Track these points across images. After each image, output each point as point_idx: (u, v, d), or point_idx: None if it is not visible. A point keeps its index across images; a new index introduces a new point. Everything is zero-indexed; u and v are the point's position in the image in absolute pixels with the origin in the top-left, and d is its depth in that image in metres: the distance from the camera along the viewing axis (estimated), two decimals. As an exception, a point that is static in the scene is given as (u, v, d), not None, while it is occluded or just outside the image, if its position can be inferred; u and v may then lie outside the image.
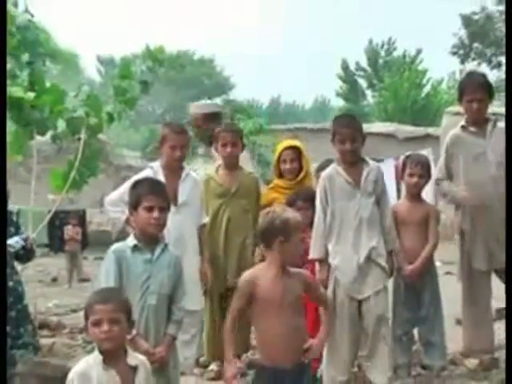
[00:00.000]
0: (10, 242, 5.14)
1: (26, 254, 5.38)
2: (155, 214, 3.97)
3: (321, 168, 5.91)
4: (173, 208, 5.24)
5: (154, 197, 4.02)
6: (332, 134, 5.22)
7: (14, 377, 5.24)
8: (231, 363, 3.81)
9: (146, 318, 3.92)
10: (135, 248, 3.97)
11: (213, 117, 6.43)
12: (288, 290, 3.79)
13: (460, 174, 5.75)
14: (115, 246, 4.03)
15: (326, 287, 5.01)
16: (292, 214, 3.92)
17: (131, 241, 4.00)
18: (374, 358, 5.06)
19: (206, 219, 5.79)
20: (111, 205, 5.54)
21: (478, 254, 5.71)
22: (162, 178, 5.41)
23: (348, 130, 5.11)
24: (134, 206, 4.05)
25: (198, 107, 6.57)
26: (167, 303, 4.02)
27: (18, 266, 7.36)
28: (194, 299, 5.37)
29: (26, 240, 5.30)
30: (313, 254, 5.12)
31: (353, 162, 5.12)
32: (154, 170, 5.59)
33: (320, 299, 4.09)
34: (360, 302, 5.04)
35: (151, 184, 4.24)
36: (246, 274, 3.95)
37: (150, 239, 4.03)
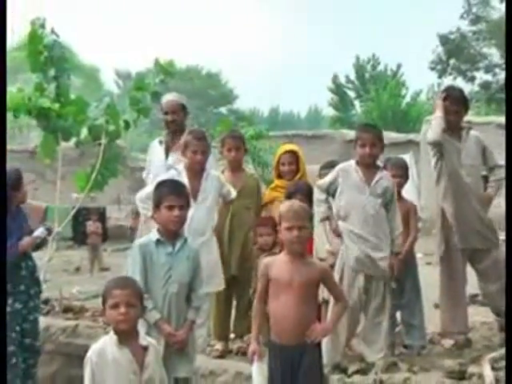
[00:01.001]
0: (36, 233, 5.15)
1: (43, 242, 5.38)
2: (176, 212, 4.00)
3: (324, 167, 5.94)
4: (194, 203, 5.30)
5: (175, 197, 4.04)
6: (355, 138, 5.24)
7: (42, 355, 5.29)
8: (255, 341, 3.88)
9: (169, 304, 3.95)
10: (158, 242, 4.00)
11: (179, 107, 6.25)
12: (296, 273, 3.79)
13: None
14: (140, 240, 4.09)
15: (338, 235, 5.12)
16: (289, 205, 3.93)
17: (154, 235, 4.03)
18: (371, 341, 5.09)
19: (233, 193, 5.75)
20: (140, 201, 5.55)
21: (453, 233, 5.69)
22: (185, 178, 5.44)
23: (369, 136, 5.12)
24: (156, 204, 4.07)
25: (165, 98, 6.43)
26: (187, 291, 4.04)
27: (45, 257, 7.44)
28: (215, 282, 5.43)
29: (49, 230, 5.31)
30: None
31: (369, 165, 5.12)
32: (179, 171, 5.58)
33: (336, 293, 4.05)
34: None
35: (172, 185, 4.25)
36: (265, 259, 4.05)
37: (171, 234, 4.05)
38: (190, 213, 5.22)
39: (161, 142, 6.22)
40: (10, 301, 5.02)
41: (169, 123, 6.18)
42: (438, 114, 5.78)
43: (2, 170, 5.09)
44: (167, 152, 6.10)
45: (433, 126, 5.91)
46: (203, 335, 5.38)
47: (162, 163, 6.05)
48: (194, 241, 5.17)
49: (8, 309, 4.98)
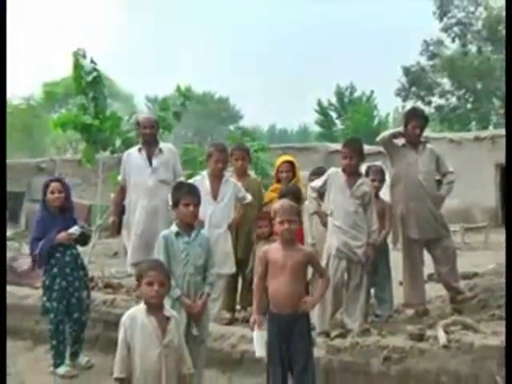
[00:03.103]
0: (70, 230, 5.12)
1: (84, 239, 5.27)
2: (191, 208, 3.99)
3: (314, 173, 5.96)
4: (214, 203, 5.36)
5: (190, 196, 4.03)
6: (340, 151, 5.31)
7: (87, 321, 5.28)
8: (256, 311, 3.88)
9: (188, 282, 3.95)
10: (177, 233, 3.99)
11: (154, 123, 6.02)
12: (289, 257, 3.78)
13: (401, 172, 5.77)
14: (164, 232, 4.07)
15: (325, 225, 5.18)
16: (280, 203, 3.93)
17: (174, 228, 4.03)
18: (350, 312, 5.12)
19: (249, 198, 5.69)
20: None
21: (411, 227, 5.67)
22: (208, 182, 5.46)
23: (348, 150, 5.14)
24: (175, 203, 4.06)
25: (140, 117, 6.25)
26: (201, 271, 4.03)
27: (90, 245, 7.41)
28: (227, 266, 5.43)
29: (83, 227, 5.28)
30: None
31: (351, 173, 5.13)
32: (203, 176, 5.58)
33: (320, 271, 4.02)
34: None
35: (188, 187, 4.24)
36: (264, 247, 4.03)
37: (187, 226, 4.04)
38: (210, 210, 5.34)
39: (140, 150, 5.95)
40: (58, 280, 5.04)
41: (146, 136, 5.94)
42: (398, 128, 5.86)
43: (1, 169, 5.06)
44: (150, 158, 5.87)
45: (386, 132, 6.02)
46: (217, 307, 5.37)
47: (145, 167, 5.84)
48: (213, 232, 5.19)
49: (56, 287, 5.04)
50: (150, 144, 5.92)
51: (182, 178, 5.84)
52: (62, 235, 5.07)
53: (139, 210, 5.77)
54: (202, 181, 5.43)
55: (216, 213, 5.41)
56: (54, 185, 5.15)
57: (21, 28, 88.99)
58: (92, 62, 7.56)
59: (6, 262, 4.77)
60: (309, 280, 4.70)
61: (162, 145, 6.00)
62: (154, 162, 5.85)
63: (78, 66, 7.44)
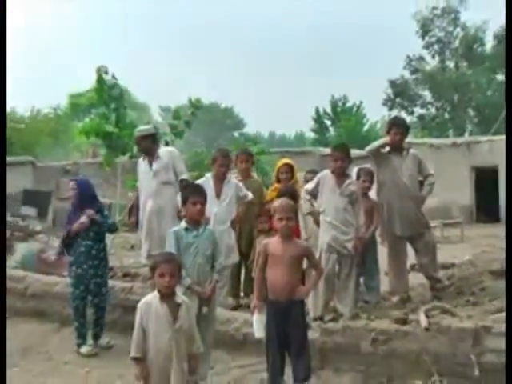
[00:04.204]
0: (81, 219, 5.13)
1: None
2: (198, 206, 3.98)
3: (309, 172, 6.04)
4: (218, 201, 5.33)
5: (197, 196, 4.02)
6: (329, 155, 5.26)
7: (108, 306, 5.29)
8: (256, 298, 3.86)
9: (197, 271, 3.94)
10: (186, 228, 3.99)
11: (147, 136, 5.92)
12: (286, 251, 3.77)
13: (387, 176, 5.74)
14: (174, 228, 4.06)
15: (318, 224, 5.16)
16: (279, 202, 3.91)
17: (183, 224, 4.02)
18: (342, 299, 5.09)
19: (250, 196, 5.65)
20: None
21: (395, 225, 5.66)
22: (211, 183, 5.44)
23: (337, 154, 5.11)
24: (184, 201, 4.05)
25: (137, 131, 6.08)
26: (209, 261, 4.01)
27: (110, 238, 7.44)
28: (231, 257, 5.40)
29: (89, 216, 5.29)
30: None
31: (340, 174, 5.10)
32: (207, 178, 5.55)
33: (314, 263, 4.01)
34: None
35: (195, 188, 4.24)
36: (264, 241, 4.00)
37: (195, 222, 4.02)
38: (215, 209, 5.28)
39: (144, 158, 5.94)
40: (73, 267, 5.11)
41: (140, 148, 6.01)
42: (384, 139, 5.82)
43: (2, 170, 5.03)
44: (151, 163, 5.85)
45: (374, 143, 5.99)
46: (222, 294, 5.36)
47: (148, 172, 5.84)
48: (218, 228, 5.18)
49: (72, 274, 5.13)
50: (148, 153, 5.89)
51: (184, 176, 5.80)
52: (76, 225, 5.11)
53: (147, 210, 5.79)
54: (206, 182, 5.41)
55: (220, 211, 5.39)
56: (71, 184, 5.29)
57: (51, 47, 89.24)
58: (113, 77, 7.57)
59: (6, 262, 4.81)
60: (304, 270, 4.71)
61: (161, 150, 5.95)
62: (154, 166, 5.83)
63: (100, 81, 7.44)
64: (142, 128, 6.16)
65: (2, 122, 5.02)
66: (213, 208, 5.29)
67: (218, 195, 5.43)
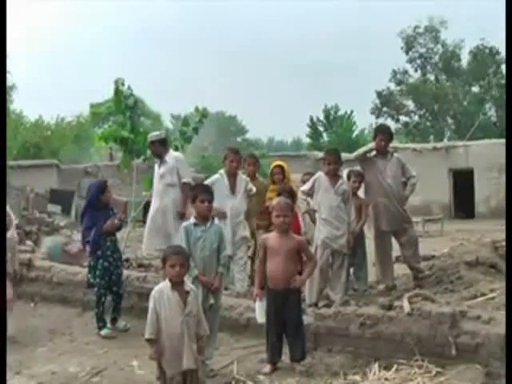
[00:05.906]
0: (115, 221, 5.12)
1: (120, 227, 5.32)
2: (206, 204, 3.93)
3: (305, 174, 6.12)
4: (232, 196, 5.37)
5: (205, 194, 3.98)
6: (323, 158, 5.28)
7: (124, 294, 5.29)
8: (257, 287, 3.87)
9: (204, 263, 3.90)
10: (195, 224, 3.95)
11: (158, 141, 5.94)
12: (283, 244, 3.77)
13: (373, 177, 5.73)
14: (184, 224, 4.03)
15: (314, 222, 5.15)
16: (277, 201, 3.93)
17: (192, 220, 3.99)
18: (334, 287, 5.11)
19: (254, 189, 5.69)
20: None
21: (381, 221, 5.65)
22: (226, 179, 5.43)
23: (329, 157, 5.11)
24: (193, 200, 4.01)
25: (149, 136, 6.10)
26: (215, 254, 3.97)
27: (126, 232, 7.44)
28: (243, 247, 5.44)
29: (120, 220, 5.28)
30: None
31: (333, 176, 5.11)
32: (221, 174, 5.54)
33: (308, 255, 3.99)
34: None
35: (203, 187, 4.21)
36: (263, 235, 4.02)
37: (203, 218, 3.98)
38: (231, 203, 5.27)
39: (156, 162, 6.02)
40: (101, 261, 5.05)
41: (152, 152, 6.09)
42: (370, 144, 5.78)
43: (2, 170, 4.99)
44: (160, 166, 5.91)
45: (360, 149, 6.00)
46: (228, 283, 5.36)
47: (157, 174, 5.90)
48: (234, 221, 5.19)
49: (99, 266, 5.05)
50: (158, 156, 5.95)
51: (186, 180, 5.74)
52: (108, 224, 5.08)
53: (153, 208, 5.84)
54: (221, 178, 5.43)
55: (235, 205, 5.40)
56: (108, 186, 5.24)
57: (72, 60, 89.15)
58: (129, 88, 7.56)
59: (6, 262, 4.78)
60: (304, 262, 4.71)
61: (168, 155, 5.92)
62: (161, 169, 5.85)
63: (118, 92, 7.43)
64: (154, 134, 6.18)
65: (2, 125, 4.93)
66: (228, 202, 5.29)
67: (232, 190, 5.43)
